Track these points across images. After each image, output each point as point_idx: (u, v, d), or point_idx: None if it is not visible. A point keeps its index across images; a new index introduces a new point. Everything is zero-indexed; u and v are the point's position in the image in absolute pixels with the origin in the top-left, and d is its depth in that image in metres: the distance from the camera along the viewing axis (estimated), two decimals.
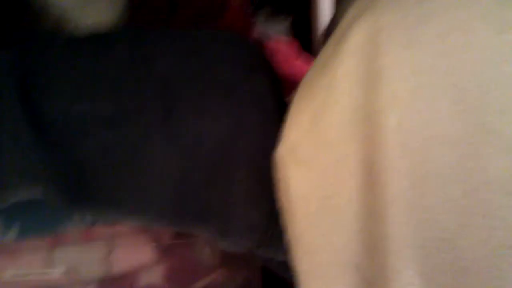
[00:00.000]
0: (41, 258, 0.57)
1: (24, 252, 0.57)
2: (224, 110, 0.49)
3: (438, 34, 0.37)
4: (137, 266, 0.58)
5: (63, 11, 0.60)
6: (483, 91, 0.37)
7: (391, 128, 0.38)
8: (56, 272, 0.56)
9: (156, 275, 0.58)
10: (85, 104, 0.49)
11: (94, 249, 0.57)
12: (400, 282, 0.39)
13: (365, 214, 0.40)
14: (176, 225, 0.50)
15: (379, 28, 0.38)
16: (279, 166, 0.42)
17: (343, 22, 0.40)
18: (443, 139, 0.38)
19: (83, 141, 0.49)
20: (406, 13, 0.37)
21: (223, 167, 0.48)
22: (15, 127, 0.48)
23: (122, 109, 0.49)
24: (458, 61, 0.36)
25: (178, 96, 0.49)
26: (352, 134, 0.39)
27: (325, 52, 0.41)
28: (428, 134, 0.38)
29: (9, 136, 0.48)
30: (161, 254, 0.58)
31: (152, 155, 0.48)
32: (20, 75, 0.50)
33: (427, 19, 0.37)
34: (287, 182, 0.41)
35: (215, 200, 0.48)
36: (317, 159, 0.40)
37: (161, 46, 0.51)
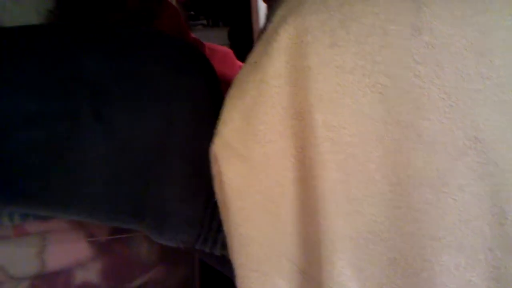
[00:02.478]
0: None
1: None
2: (154, 109, 0.49)
3: (358, 36, 0.39)
4: (72, 262, 0.57)
5: None
6: (401, 90, 0.39)
7: (320, 124, 0.40)
8: None
9: (92, 272, 0.57)
10: (5, 102, 0.48)
11: (26, 245, 0.56)
12: (333, 272, 0.41)
13: (299, 207, 0.42)
14: (111, 222, 0.50)
15: (305, 28, 0.40)
16: (213, 161, 0.43)
17: (272, 22, 0.42)
18: (367, 135, 0.40)
19: (6, 140, 0.48)
20: (330, 15, 0.39)
21: (156, 164, 0.49)
22: None
23: (46, 109, 0.48)
24: (377, 62, 0.39)
25: (107, 95, 0.48)
26: (283, 130, 0.41)
27: (255, 51, 0.43)
28: (354, 131, 0.40)
29: None
30: (97, 251, 0.57)
31: (81, 154, 0.48)
32: None
33: (349, 21, 0.40)
34: (221, 176, 0.42)
35: (150, 197, 0.49)
36: (250, 154, 0.41)
37: (89, 44, 0.50)
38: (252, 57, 0.43)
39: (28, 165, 0.48)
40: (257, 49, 0.43)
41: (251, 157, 0.42)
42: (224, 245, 0.48)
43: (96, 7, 0.75)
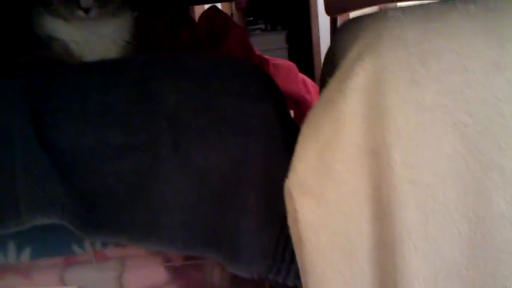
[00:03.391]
0: (54, 277, 0.58)
1: (37, 272, 0.59)
2: (231, 141, 0.50)
3: (438, 74, 0.38)
4: (148, 286, 0.59)
5: (69, 43, 0.62)
6: (482, 128, 0.38)
7: (398, 164, 0.39)
8: None
9: None
10: (95, 134, 0.50)
11: (106, 270, 0.58)
12: None
13: (375, 246, 0.42)
14: (187, 252, 0.51)
15: (383, 66, 0.39)
16: (288, 197, 0.44)
17: (347, 59, 0.42)
18: (448, 175, 0.39)
19: (94, 170, 0.50)
20: (409, 52, 0.39)
21: (231, 195, 0.50)
22: (29, 154, 0.50)
23: (131, 140, 0.50)
24: (458, 100, 0.38)
25: (185, 129, 0.50)
26: (359, 169, 0.41)
27: (330, 89, 0.43)
28: (433, 170, 0.39)
29: (23, 163, 0.50)
30: (172, 276, 0.59)
31: (162, 184, 0.50)
32: (33, 102, 0.52)
33: (428, 58, 0.39)
34: (296, 213, 0.43)
35: (224, 228, 0.50)
36: (325, 192, 0.41)
37: (168, 79, 0.52)
38: (327, 94, 0.43)
39: (113, 196, 0.50)
40: (331, 86, 0.42)
41: (326, 195, 0.41)
42: (297, 276, 0.48)
43: (167, 34, 0.78)
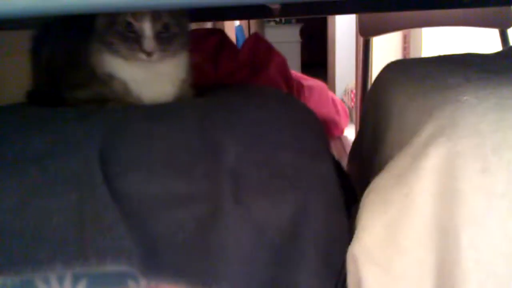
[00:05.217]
0: None
1: None
2: (289, 197, 0.52)
3: (510, 164, 0.40)
4: None
5: (128, 82, 0.63)
6: None
7: (465, 244, 0.41)
8: None
9: None
10: (156, 183, 0.52)
11: None
12: None
13: None
14: None
15: (457, 152, 0.41)
16: (351, 263, 0.46)
17: (419, 137, 0.44)
18: (510, 255, 0.41)
19: (157, 218, 0.52)
20: (483, 141, 0.40)
21: (289, 250, 0.52)
22: (98, 202, 0.52)
23: (193, 190, 0.52)
24: None
25: (246, 183, 0.52)
26: (426, 245, 0.43)
27: (399, 164, 0.44)
28: (499, 252, 0.41)
29: (92, 211, 0.52)
30: None
31: (222, 236, 0.51)
32: (100, 149, 0.53)
33: (501, 149, 0.40)
34: (360, 281, 0.45)
35: (282, 282, 0.51)
36: (391, 265, 0.44)
37: (228, 134, 0.54)
38: (396, 169, 0.45)
39: (173, 243, 0.52)
40: (402, 162, 0.44)
41: (392, 268, 0.44)
42: None
43: (210, 62, 0.79)
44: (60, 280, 0.58)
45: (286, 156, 0.53)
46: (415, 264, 0.43)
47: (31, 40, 0.76)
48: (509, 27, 1.13)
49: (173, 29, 0.62)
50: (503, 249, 0.41)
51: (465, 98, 0.42)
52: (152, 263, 0.53)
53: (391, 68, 0.63)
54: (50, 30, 0.74)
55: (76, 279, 0.59)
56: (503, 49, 0.81)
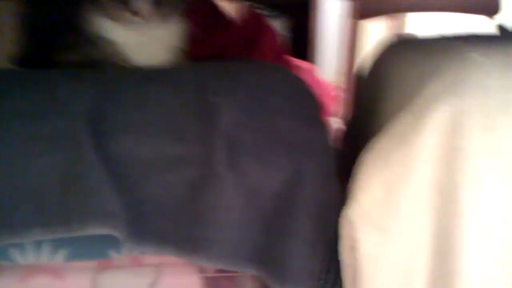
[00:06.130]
0: (88, 280, 0.58)
1: (71, 273, 0.58)
2: (285, 162, 0.50)
3: None
4: None
5: (117, 45, 0.61)
6: None
7: (465, 204, 0.40)
8: None
9: None
10: (150, 145, 0.50)
11: (141, 276, 0.58)
12: None
13: (433, 281, 0.42)
14: (233, 267, 0.51)
15: (463, 110, 0.39)
16: (347, 226, 0.44)
17: (422, 96, 0.42)
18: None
19: (147, 181, 0.50)
20: (489, 98, 0.39)
21: (282, 216, 0.50)
22: (84, 163, 0.49)
23: (186, 154, 0.50)
24: None
25: (241, 147, 0.50)
26: (426, 207, 0.41)
27: (402, 124, 0.43)
28: (499, 213, 0.40)
29: (77, 171, 0.49)
30: (205, 285, 0.59)
31: (216, 199, 0.49)
32: (90, 109, 0.51)
33: (507, 106, 0.39)
34: (355, 243, 0.43)
35: (273, 247, 0.50)
36: (388, 226, 0.42)
37: (224, 98, 0.52)
38: (398, 128, 0.43)
39: (162, 207, 0.50)
40: (405, 122, 0.42)
41: (390, 229, 0.42)
42: None
43: (204, 36, 0.77)
44: (37, 249, 0.55)
45: (282, 122, 0.52)
46: (414, 228, 0.42)
47: (18, 2, 0.73)
48: (496, 13, 1.12)
49: None
50: (502, 210, 0.40)
51: (473, 58, 0.41)
52: (137, 228, 0.50)
53: (391, 45, 0.62)
54: None
55: (54, 249, 0.56)
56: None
